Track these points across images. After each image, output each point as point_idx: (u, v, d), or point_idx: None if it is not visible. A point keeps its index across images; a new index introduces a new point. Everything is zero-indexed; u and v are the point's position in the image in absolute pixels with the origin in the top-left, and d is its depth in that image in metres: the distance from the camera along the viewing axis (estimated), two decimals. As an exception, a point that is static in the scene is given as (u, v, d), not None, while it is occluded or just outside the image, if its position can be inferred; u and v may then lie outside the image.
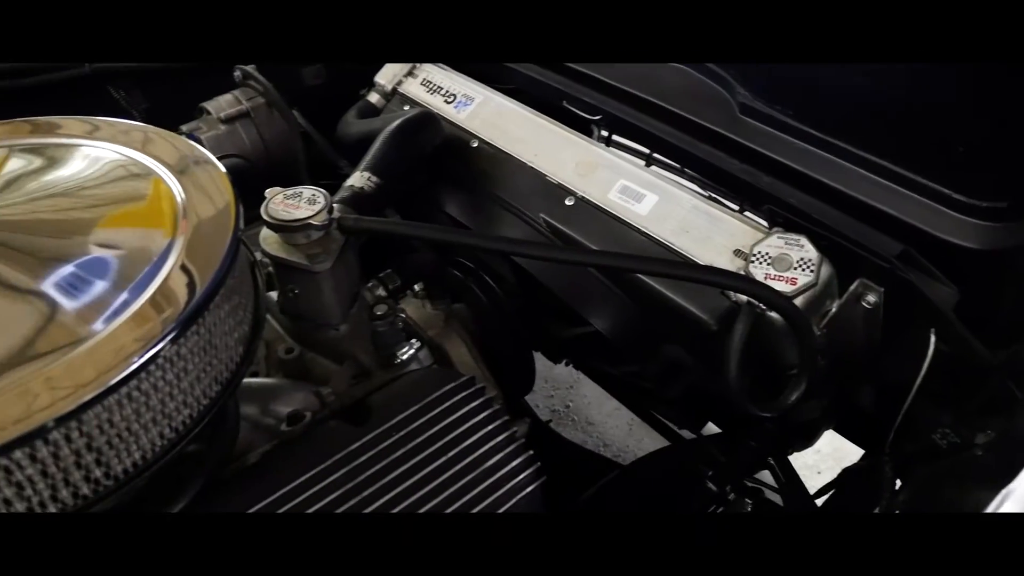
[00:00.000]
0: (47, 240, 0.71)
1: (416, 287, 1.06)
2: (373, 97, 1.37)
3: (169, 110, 1.29)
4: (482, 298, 1.14)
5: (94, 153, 0.82)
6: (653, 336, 1.06)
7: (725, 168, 1.05)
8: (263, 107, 1.30)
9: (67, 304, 0.64)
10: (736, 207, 1.09)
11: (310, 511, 0.70)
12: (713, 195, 1.14)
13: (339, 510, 0.70)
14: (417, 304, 1.06)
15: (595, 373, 1.50)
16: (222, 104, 1.30)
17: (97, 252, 0.70)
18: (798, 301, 0.87)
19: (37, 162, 0.81)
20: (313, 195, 0.92)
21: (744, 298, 0.89)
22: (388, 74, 1.37)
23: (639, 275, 0.99)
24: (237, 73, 1.32)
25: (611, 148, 1.20)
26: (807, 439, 1.11)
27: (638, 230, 1.03)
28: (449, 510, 0.73)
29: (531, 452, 0.79)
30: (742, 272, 0.90)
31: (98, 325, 0.62)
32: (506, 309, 1.16)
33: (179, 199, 0.75)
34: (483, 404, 0.80)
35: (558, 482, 0.83)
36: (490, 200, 1.18)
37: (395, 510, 0.71)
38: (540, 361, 1.28)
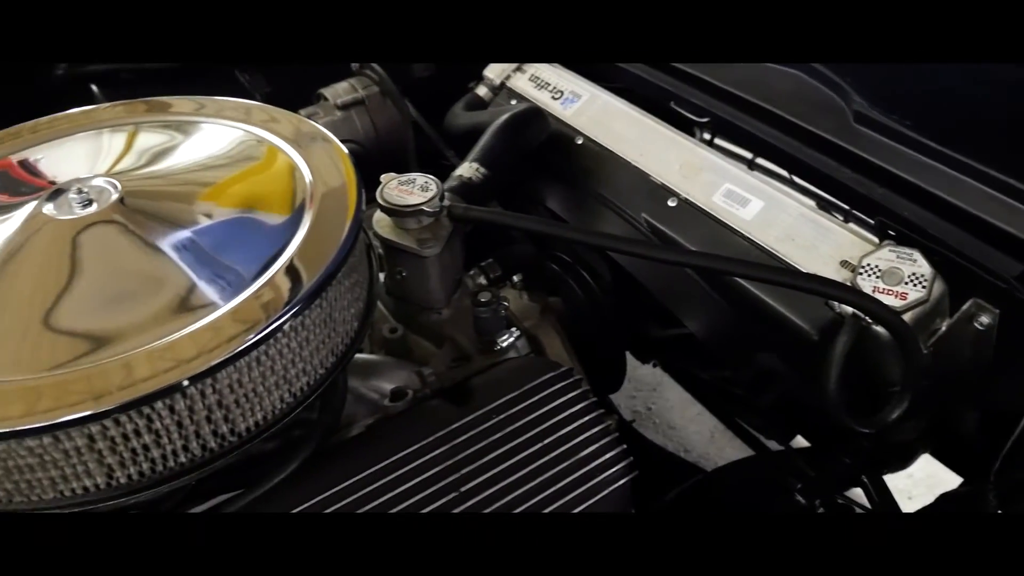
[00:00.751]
0: (184, 210, 0.77)
1: (515, 278, 1.08)
2: (481, 91, 1.40)
3: (288, 95, 1.35)
4: (578, 293, 1.15)
5: (227, 132, 0.88)
6: (748, 342, 1.06)
7: (836, 177, 1.03)
8: (377, 96, 1.35)
9: (206, 271, 0.70)
10: (840, 218, 1.07)
11: (411, 484, 0.73)
12: (820, 204, 1.12)
13: (438, 486, 0.73)
14: (515, 295, 1.09)
15: (682, 376, 1.49)
16: (339, 91, 1.35)
17: (231, 224, 0.76)
18: (907, 317, 0.85)
19: (172, 138, 0.88)
20: (426, 182, 0.95)
21: (849, 310, 0.87)
22: (497, 69, 1.40)
23: (740, 280, 0.99)
24: (354, 64, 1.38)
25: (716, 151, 1.19)
26: (903, 460, 1.08)
27: (741, 235, 1.02)
28: (541, 496, 0.75)
29: (624, 446, 0.80)
30: (849, 284, 0.89)
31: (233, 291, 0.67)
32: (601, 305, 1.17)
33: (306, 177, 0.80)
34: (580, 395, 0.81)
35: (639, 482, 0.84)
36: (592, 197, 1.19)
37: (490, 491, 0.74)
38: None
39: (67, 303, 0.66)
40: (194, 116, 0.90)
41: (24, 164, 0.84)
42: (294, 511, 0.71)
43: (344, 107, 1.33)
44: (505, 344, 0.92)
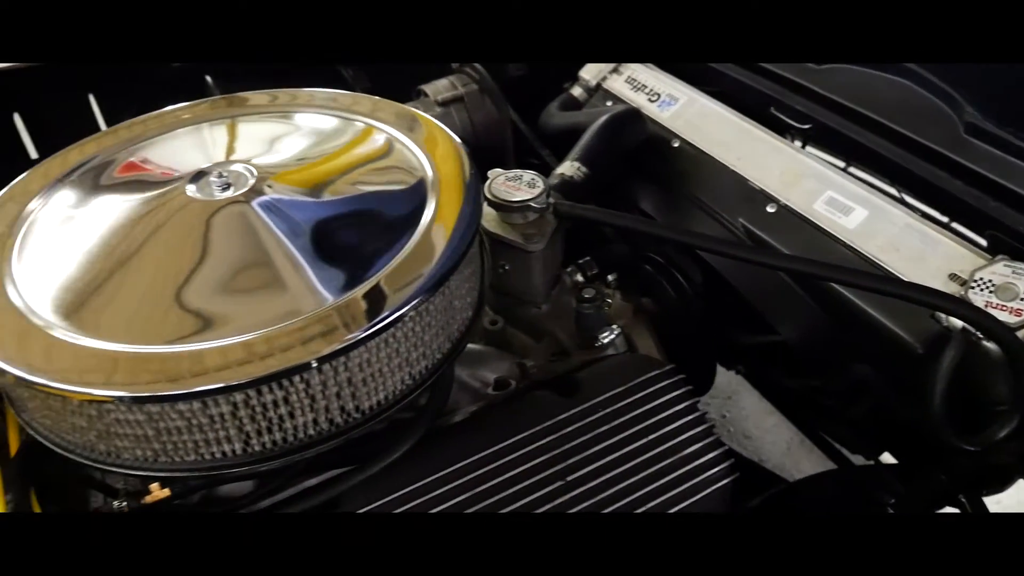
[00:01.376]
0: (315, 196, 0.81)
1: (609, 277, 1.10)
2: (576, 91, 1.42)
3: (388, 91, 1.40)
4: (671, 294, 1.16)
5: (349, 124, 0.92)
6: (844, 352, 1.04)
7: (947, 189, 1.01)
8: (476, 93, 1.38)
9: (337, 254, 0.73)
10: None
11: (519, 470, 0.75)
12: (926, 215, 1.10)
13: (545, 474, 0.75)
14: (609, 294, 1.10)
15: (764, 385, 1.48)
16: (439, 88, 1.39)
17: (359, 210, 0.80)
18: (1021, 334, 0.84)
19: (300, 128, 0.92)
20: (532, 179, 0.98)
21: (958, 324, 0.86)
22: (593, 70, 1.41)
23: (839, 288, 0.98)
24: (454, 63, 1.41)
25: (818, 158, 1.18)
26: (1000, 483, 1.05)
27: (844, 243, 1.01)
28: (644, 491, 0.76)
29: (727, 447, 0.81)
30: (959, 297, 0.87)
31: (363, 275, 0.70)
32: (692, 308, 1.18)
33: (427, 168, 0.83)
34: (683, 395, 0.83)
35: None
36: (687, 200, 1.19)
37: (595, 482, 0.76)
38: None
39: (203, 278, 0.71)
40: (320, 108, 0.94)
41: (167, 147, 0.89)
42: (406, 490, 0.74)
43: (444, 104, 1.36)
44: (605, 341, 0.94)
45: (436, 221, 0.76)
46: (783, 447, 1.80)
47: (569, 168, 1.10)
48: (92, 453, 0.68)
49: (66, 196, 0.83)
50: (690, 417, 0.81)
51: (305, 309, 0.67)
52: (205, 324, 0.66)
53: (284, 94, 0.98)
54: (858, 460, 1.29)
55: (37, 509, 0.74)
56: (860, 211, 1.03)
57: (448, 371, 0.84)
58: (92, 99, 1.59)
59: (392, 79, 1.50)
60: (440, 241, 0.73)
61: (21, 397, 0.69)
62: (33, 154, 1.56)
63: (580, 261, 1.08)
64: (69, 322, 0.67)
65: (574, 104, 1.41)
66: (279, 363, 0.63)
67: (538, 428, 0.78)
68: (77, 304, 0.69)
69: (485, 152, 1.36)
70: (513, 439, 0.77)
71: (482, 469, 0.75)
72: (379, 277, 0.70)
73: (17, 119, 1.50)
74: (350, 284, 0.69)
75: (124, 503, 0.75)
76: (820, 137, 1.20)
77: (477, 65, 1.38)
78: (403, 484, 0.74)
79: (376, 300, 0.68)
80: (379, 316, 0.66)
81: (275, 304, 0.68)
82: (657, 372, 0.83)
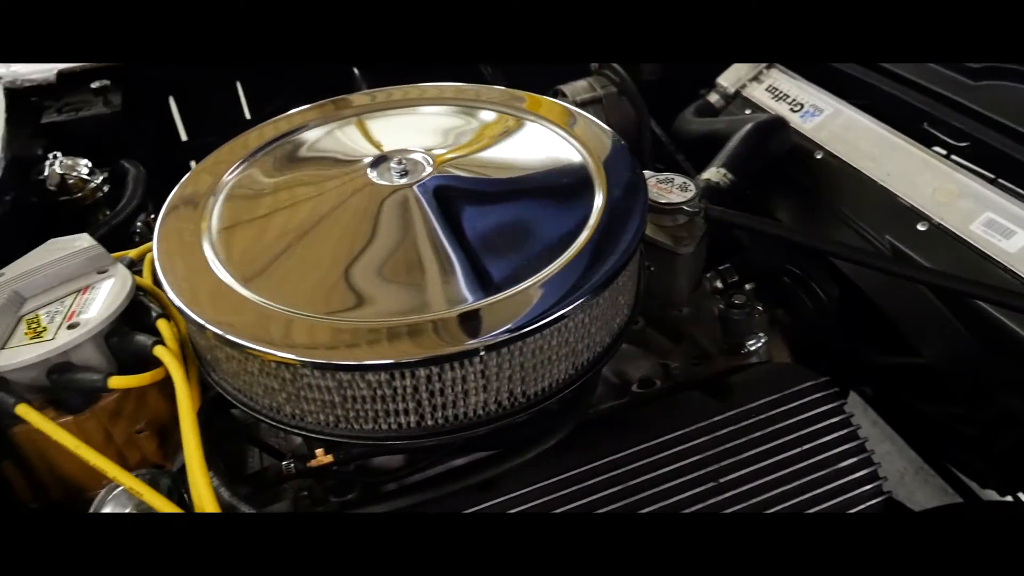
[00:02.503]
0: (487, 187, 0.84)
1: (746, 286, 1.09)
2: (712, 97, 1.41)
3: (526, 90, 1.43)
4: (808, 307, 1.14)
5: (515, 121, 0.95)
6: (993, 380, 1.01)
7: None
8: (614, 95, 1.39)
9: (511, 243, 0.76)
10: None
11: (670, 468, 0.76)
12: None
13: (696, 474, 0.76)
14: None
15: (891, 409, 1.44)
16: (577, 88, 1.41)
17: (530, 204, 0.82)
18: None
19: (470, 123, 0.96)
20: (684, 182, 0.98)
21: None
22: (732, 76, 1.40)
23: (995, 311, 0.94)
24: (594, 64, 1.43)
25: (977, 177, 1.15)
26: None
27: (1002, 267, 0.97)
28: (793, 501, 0.76)
29: (878, 465, 0.80)
30: None
31: (536, 266, 0.72)
32: (828, 323, 1.16)
33: (590, 164, 0.85)
34: (838, 408, 0.82)
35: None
36: (828, 213, 1.17)
37: (747, 487, 0.76)
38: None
39: (379, 257, 0.75)
40: (488, 104, 0.98)
41: (350, 133, 0.94)
42: (559, 477, 0.76)
43: (582, 104, 1.38)
44: (752, 348, 0.94)
45: (603, 217, 0.77)
46: (896, 477, 1.74)
47: (715, 174, 1.10)
48: (278, 415, 0.73)
49: (257, 169, 0.89)
50: (844, 432, 0.80)
51: (483, 295, 0.70)
52: (387, 301, 0.70)
53: (450, 88, 1.02)
54: (988, 495, 1.24)
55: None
56: (1023, 235, 0.99)
57: (602, 366, 0.85)
58: (239, 86, 1.69)
59: (528, 79, 1.53)
60: (609, 236, 0.75)
61: (216, 358, 0.74)
62: (183, 135, 1.67)
63: (720, 267, 1.08)
64: (254, 286, 0.72)
65: (710, 111, 1.41)
66: (463, 343, 0.66)
67: (691, 428, 0.79)
68: (260, 269, 0.75)
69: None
70: (665, 437, 0.78)
71: (633, 464, 0.77)
72: (554, 268, 0.72)
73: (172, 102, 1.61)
74: (526, 273, 0.72)
75: (291, 465, 0.80)
76: (977, 156, 1.16)
77: (616, 66, 1.39)
78: (556, 472, 0.76)
79: (552, 290, 0.70)
80: (555, 305, 0.68)
81: (452, 288, 0.71)
82: (812, 383, 0.83)
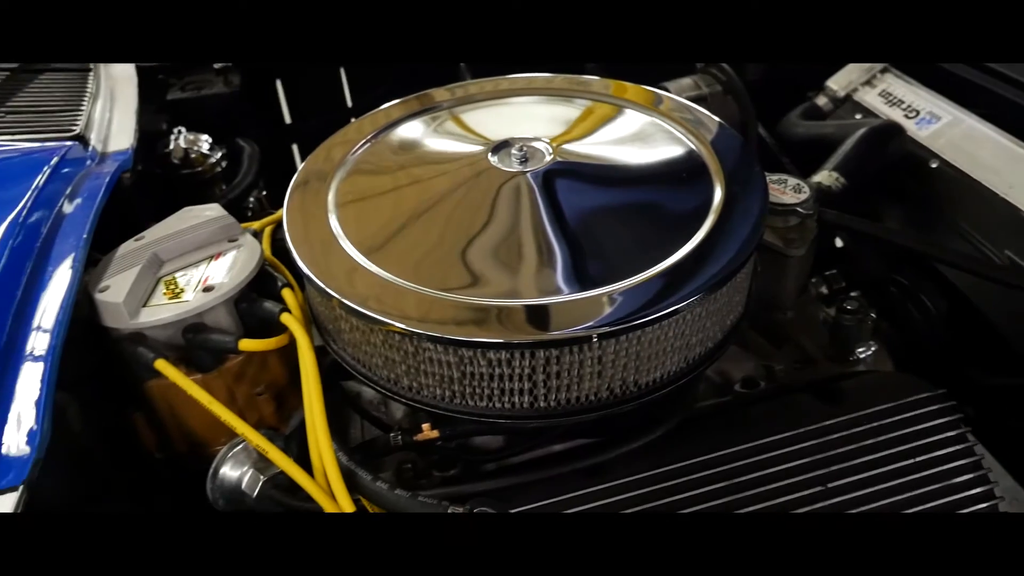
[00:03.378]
0: (604, 178, 0.85)
1: (852, 294, 1.07)
2: (821, 100, 1.38)
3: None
4: (916, 319, 1.11)
5: (634, 114, 0.96)
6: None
7: None
8: (719, 95, 1.38)
9: (627, 234, 0.77)
10: None
11: (778, 469, 0.75)
12: None
13: (804, 476, 0.75)
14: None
15: (996, 433, 1.38)
16: (683, 86, 1.40)
17: (647, 199, 0.83)
18: None
19: (591, 113, 0.96)
20: (798, 184, 0.97)
21: None
22: (843, 80, 1.37)
23: None
24: (700, 63, 1.42)
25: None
26: None
27: None
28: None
29: (995, 484, 0.77)
30: None
31: (661, 256, 0.73)
32: (934, 336, 1.12)
33: (710, 160, 0.84)
34: (954, 423, 0.80)
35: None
36: (942, 224, 1.14)
37: (855, 494, 0.75)
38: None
39: (499, 239, 0.76)
40: (606, 96, 0.99)
41: (472, 118, 0.97)
42: (663, 469, 0.76)
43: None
44: (862, 355, 0.92)
45: (724, 212, 0.77)
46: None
47: (827, 177, 1.08)
48: (395, 387, 0.75)
49: (382, 147, 0.92)
50: (959, 447, 0.78)
51: (604, 282, 0.71)
52: (510, 283, 0.72)
53: (569, 80, 1.03)
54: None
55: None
56: None
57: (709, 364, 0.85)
58: (343, 73, 1.74)
59: (631, 77, 1.53)
60: (730, 233, 0.75)
61: (339, 328, 0.77)
62: (287, 117, 1.73)
63: (827, 273, 1.06)
64: (377, 259, 0.75)
65: (817, 114, 1.38)
66: (582, 328, 0.67)
67: (800, 431, 0.78)
68: (383, 243, 0.77)
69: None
70: (773, 438, 0.78)
71: (741, 461, 0.76)
72: (674, 261, 0.72)
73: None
74: (646, 264, 0.72)
75: (399, 437, 0.82)
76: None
77: (725, 66, 1.38)
78: (663, 463, 0.77)
79: (672, 282, 0.70)
80: (674, 298, 0.69)
81: (573, 273, 0.72)
82: (929, 395, 0.81)
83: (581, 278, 0.71)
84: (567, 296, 0.69)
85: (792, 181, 0.98)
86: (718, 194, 0.80)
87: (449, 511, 0.68)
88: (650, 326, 0.69)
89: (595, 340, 0.67)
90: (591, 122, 0.94)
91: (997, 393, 1.16)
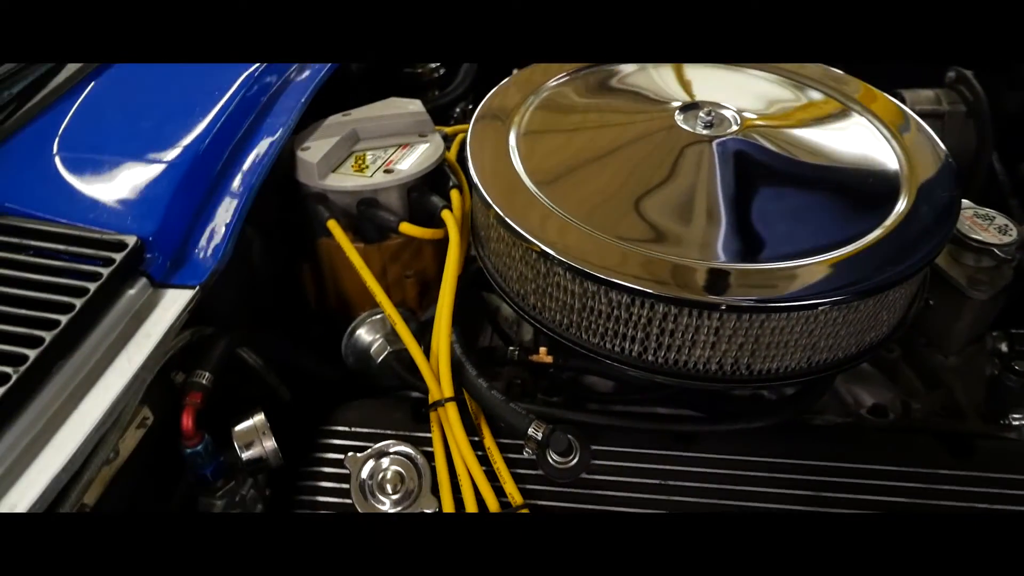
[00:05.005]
0: (787, 161, 0.83)
1: (1041, 360, 0.96)
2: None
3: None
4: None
5: (829, 102, 0.92)
6: None
7: None
8: (960, 116, 1.26)
9: (799, 225, 0.75)
10: None
11: (865, 498, 0.72)
12: None
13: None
14: (1027, 379, 0.97)
15: None
16: (920, 98, 1.29)
17: (827, 190, 0.80)
18: None
19: (793, 98, 0.93)
20: (1006, 225, 0.88)
21: None
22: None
23: None
24: (951, 73, 1.30)
25: None
26: None
27: None
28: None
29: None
30: None
31: (815, 248, 0.71)
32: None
33: (906, 171, 0.80)
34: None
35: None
36: None
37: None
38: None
39: (662, 196, 0.77)
40: (820, 85, 0.95)
41: (666, 75, 0.97)
42: (755, 459, 0.75)
43: (920, 115, 1.26)
44: (1015, 423, 0.84)
45: (899, 226, 0.73)
46: None
47: (1049, 228, 0.97)
48: (522, 302, 0.80)
49: (573, 87, 0.95)
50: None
51: (745, 259, 0.70)
52: (655, 236, 0.73)
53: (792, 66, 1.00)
54: None
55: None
56: None
57: (832, 377, 0.82)
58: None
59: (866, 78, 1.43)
60: (897, 248, 0.71)
61: (488, 237, 0.83)
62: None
63: (1014, 331, 0.96)
64: (545, 188, 0.78)
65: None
66: (707, 295, 0.67)
67: (910, 469, 0.74)
68: (555, 176, 0.81)
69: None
70: (876, 466, 0.74)
71: (832, 478, 0.74)
72: (825, 259, 0.70)
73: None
74: (795, 254, 0.70)
75: (516, 352, 0.87)
76: None
77: (976, 86, 1.25)
78: (755, 453, 0.76)
79: (814, 278, 0.68)
80: (809, 293, 0.67)
81: (718, 243, 0.72)
82: (1075, 484, 0.73)
83: (727, 249, 0.71)
84: (706, 263, 0.70)
85: (1001, 221, 0.89)
86: (900, 206, 0.75)
87: (531, 429, 0.73)
88: (776, 314, 0.67)
89: (722, 310, 0.67)
90: (790, 105, 0.91)
91: None
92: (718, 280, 0.69)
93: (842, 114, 0.90)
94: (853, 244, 0.71)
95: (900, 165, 0.82)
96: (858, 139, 0.86)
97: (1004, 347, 0.96)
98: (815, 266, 0.70)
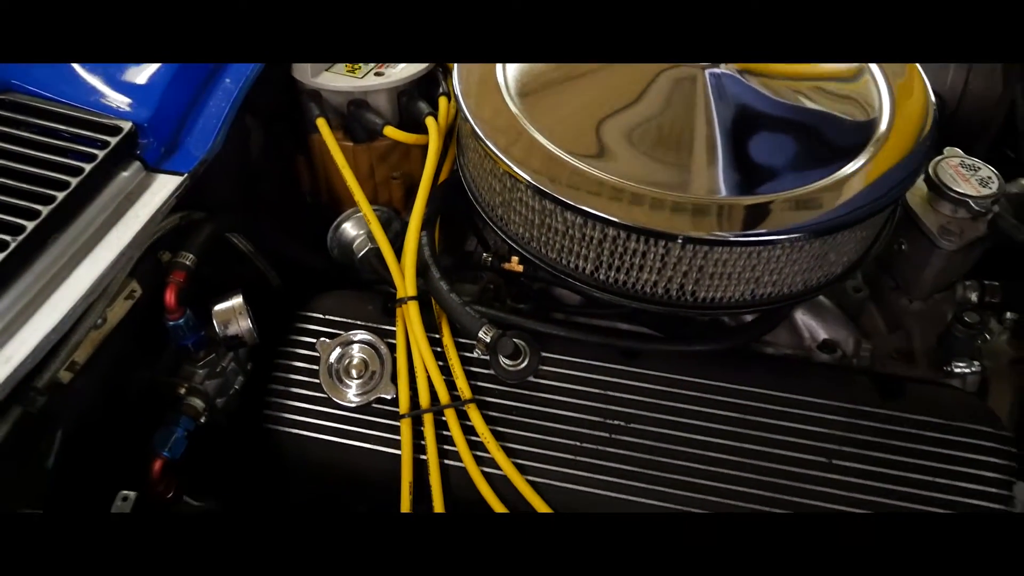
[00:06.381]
0: (780, 93, 0.83)
1: (1008, 314, 0.97)
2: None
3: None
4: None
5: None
6: None
7: None
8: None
9: (757, 156, 0.77)
10: None
11: (794, 426, 0.77)
12: None
13: (819, 444, 0.76)
14: (997, 329, 0.98)
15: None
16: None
17: (796, 126, 0.81)
18: None
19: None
20: (988, 177, 0.88)
21: None
22: None
23: None
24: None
25: None
26: None
27: None
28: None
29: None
30: None
31: (767, 187, 0.73)
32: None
33: (886, 115, 0.80)
34: (1004, 468, 0.75)
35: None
36: None
37: (860, 481, 0.75)
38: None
39: (628, 120, 0.80)
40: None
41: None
42: (691, 379, 0.80)
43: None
44: (956, 371, 0.87)
45: (860, 173, 0.74)
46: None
47: (1040, 184, 0.96)
48: (492, 213, 0.84)
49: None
50: (992, 490, 0.74)
51: (697, 190, 0.73)
52: (618, 160, 0.76)
53: None
54: None
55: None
56: None
57: (787, 308, 0.85)
58: None
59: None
60: (852, 193, 0.73)
61: (467, 146, 0.86)
62: None
63: (987, 282, 0.97)
64: (523, 103, 0.81)
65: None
66: (656, 222, 0.70)
67: (835, 404, 0.78)
68: (533, 90, 0.83)
69: (963, 124, 1.22)
70: (805, 398, 0.78)
71: (763, 404, 0.79)
72: (777, 197, 0.72)
73: None
74: (750, 188, 0.73)
75: (489, 258, 0.92)
76: None
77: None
78: (693, 374, 0.81)
79: (760, 216, 0.71)
80: (752, 231, 0.70)
81: (674, 171, 0.74)
82: (991, 431, 0.76)
83: (684, 181, 0.74)
84: (659, 192, 0.72)
85: (985, 173, 0.89)
86: (862, 158, 0.76)
87: (481, 332, 0.78)
88: (719, 247, 0.71)
89: (668, 239, 0.71)
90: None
91: None
92: (669, 210, 0.72)
93: (853, 70, 0.88)
94: (805, 187, 0.73)
95: (885, 108, 0.81)
96: (848, 76, 0.85)
97: (974, 296, 0.98)
98: (763, 205, 0.72)
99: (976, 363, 0.87)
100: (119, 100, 0.80)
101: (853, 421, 0.77)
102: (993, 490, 0.75)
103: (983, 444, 0.76)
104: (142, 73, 0.83)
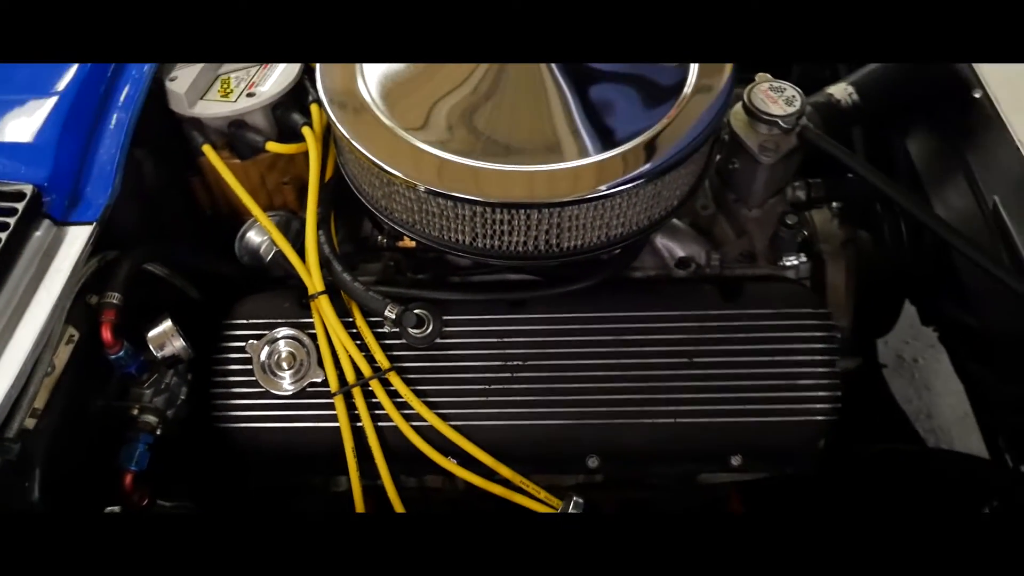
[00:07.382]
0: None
1: (834, 204, 1.15)
2: None
3: None
4: (887, 241, 1.19)
5: None
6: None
7: None
8: None
9: (584, 119, 0.89)
10: None
11: (656, 337, 0.94)
12: None
13: (677, 348, 0.93)
14: (827, 217, 1.16)
15: (955, 354, 1.47)
16: None
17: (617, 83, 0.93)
18: None
19: None
20: (793, 96, 1.03)
21: None
22: None
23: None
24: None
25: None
26: None
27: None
28: (747, 394, 0.93)
29: (838, 394, 0.92)
30: None
31: (595, 148, 0.86)
32: (904, 260, 1.20)
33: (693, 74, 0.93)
34: (825, 338, 0.94)
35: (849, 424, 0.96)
36: (955, 158, 1.16)
37: (711, 371, 0.93)
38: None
39: (470, 96, 0.91)
40: None
41: None
42: (569, 315, 0.95)
43: None
44: (787, 264, 1.04)
45: (672, 125, 0.88)
46: (960, 414, 1.78)
47: (840, 91, 1.11)
48: (375, 204, 0.95)
49: None
50: (819, 358, 0.93)
51: (545, 160, 0.85)
52: (470, 141, 0.87)
53: None
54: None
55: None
56: None
57: (641, 240, 1.00)
58: None
59: None
60: (667, 144, 0.86)
61: (342, 147, 0.96)
62: None
63: (811, 180, 1.14)
64: (381, 98, 0.91)
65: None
66: (514, 195, 0.83)
67: (688, 312, 0.94)
68: (386, 92, 0.93)
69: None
70: (664, 312, 0.95)
71: (629, 325, 0.95)
72: (611, 155, 0.85)
73: None
74: (586, 151, 0.86)
75: (384, 240, 1.04)
76: None
77: None
78: (571, 310, 0.95)
79: (598, 174, 0.84)
80: (592, 190, 0.83)
81: (526, 146, 0.87)
82: (811, 311, 0.94)
83: (522, 152, 0.86)
84: (508, 165, 0.85)
85: (790, 92, 1.04)
86: (672, 111, 0.90)
87: (386, 311, 0.91)
88: (568, 207, 0.84)
89: (525, 207, 0.84)
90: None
91: (953, 323, 1.25)
92: (525, 183, 0.84)
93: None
94: (631, 143, 0.86)
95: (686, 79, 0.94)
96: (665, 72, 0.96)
97: (803, 195, 1.15)
98: (598, 164, 0.85)
99: (803, 255, 1.05)
100: (13, 166, 0.87)
101: (703, 324, 0.94)
102: (820, 358, 0.93)
103: (806, 323, 0.94)
104: (27, 131, 0.89)
